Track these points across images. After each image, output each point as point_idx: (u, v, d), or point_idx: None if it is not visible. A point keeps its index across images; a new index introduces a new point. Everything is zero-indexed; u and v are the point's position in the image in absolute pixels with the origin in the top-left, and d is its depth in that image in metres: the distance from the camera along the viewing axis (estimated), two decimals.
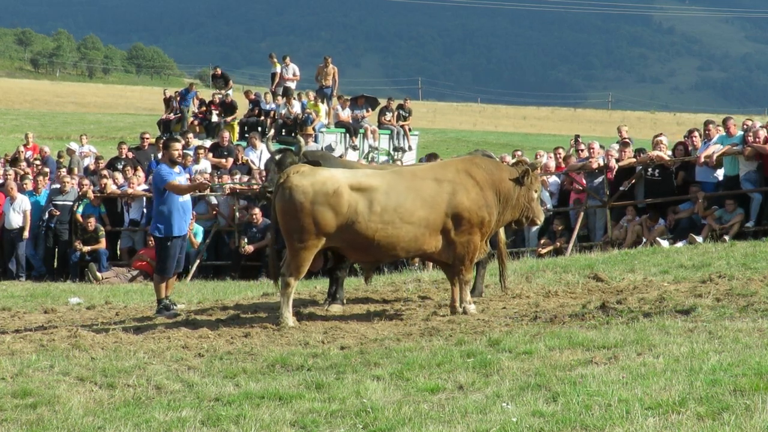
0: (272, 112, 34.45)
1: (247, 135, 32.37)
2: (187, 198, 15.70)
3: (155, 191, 15.92)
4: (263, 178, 24.65)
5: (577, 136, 29.30)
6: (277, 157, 16.00)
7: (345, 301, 15.44)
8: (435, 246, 13.93)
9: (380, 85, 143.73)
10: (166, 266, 15.67)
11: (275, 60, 36.44)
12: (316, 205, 13.36)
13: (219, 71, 37.28)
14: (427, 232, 13.78)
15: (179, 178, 15.52)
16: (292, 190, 13.47)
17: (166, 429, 8.80)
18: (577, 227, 22.73)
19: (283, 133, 33.68)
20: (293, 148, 16.28)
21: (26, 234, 24.65)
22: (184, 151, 27.77)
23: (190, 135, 30.53)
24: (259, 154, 27.84)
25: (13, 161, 30.40)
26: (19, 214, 24.72)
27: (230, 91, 36.20)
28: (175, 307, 15.72)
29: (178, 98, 36.10)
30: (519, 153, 24.74)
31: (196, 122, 34.75)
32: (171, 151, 15.58)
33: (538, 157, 23.30)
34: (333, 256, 15.01)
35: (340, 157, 24.37)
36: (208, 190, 15.49)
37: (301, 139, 17.21)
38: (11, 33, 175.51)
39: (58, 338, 13.45)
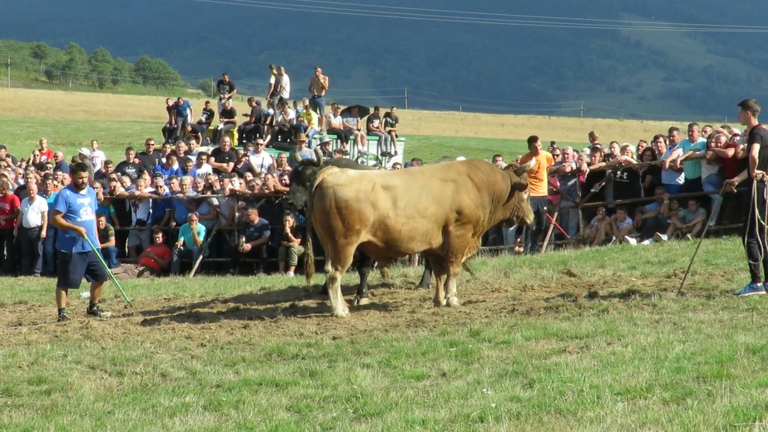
0: (269, 118, 34.50)
1: (245, 141, 32.43)
2: (88, 218, 15.60)
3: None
4: (263, 180, 24.66)
5: (552, 143, 29.36)
6: (300, 168, 15.99)
7: (370, 294, 15.55)
8: (439, 240, 14.13)
9: (369, 95, 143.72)
10: (68, 279, 15.49)
11: (274, 71, 36.40)
12: (360, 202, 13.45)
13: (227, 78, 37.64)
14: (436, 226, 13.99)
15: (80, 200, 15.42)
16: (336, 190, 13.50)
17: (170, 413, 8.79)
18: (552, 226, 22.73)
19: (279, 139, 33.73)
20: (314, 159, 16.26)
21: (44, 233, 24.58)
22: (188, 155, 27.86)
23: (193, 141, 30.45)
24: (261, 159, 27.81)
25: (30, 164, 30.40)
26: (37, 214, 24.65)
27: (230, 100, 36.21)
28: (102, 313, 15.51)
29: (175, 112, 36.34)
30: (499, 158, 24.78)
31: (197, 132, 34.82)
32: (76, 178, 15.67)
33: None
34: (359, 254, 14.94)
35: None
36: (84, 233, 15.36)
37: (320, 150, 17.09)
38: (27, 47, 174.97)
39: (71, 329, 13.45)
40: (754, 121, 13.62)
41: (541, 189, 21.17)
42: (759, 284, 13.18)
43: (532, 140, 21.49)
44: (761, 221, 13.21)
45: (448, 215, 13.98)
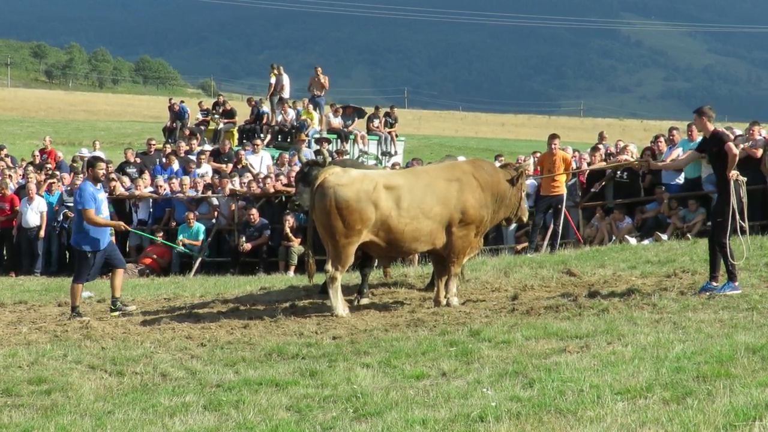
0: (266, 117, 34.48)
1: (245, 141, 32.44)
2: (107, 213, 15.53)
3: (77, 209, 15.51)
4: (260, 180, 24.67)
5: None
6: (306, 169, 15.97)
7: (370, 294, 15.42)
8: (443, 240, 14.04)
9: (369, 95, 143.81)
10: (81, 275, 15.33)
11: (274, 71, 36.38)
12: (361, 202, 13.36)
13: (221, 99, 37.71)
14: (440, 226, 13.91)
15: (100, 194, 15.25)
16: (336, 190, 13.40)
17: (170, 413, 8.78)
18: (552, 226, 22.66)
19: (279, 139, 33.73)
20: (319, 160, 16.25)
21: (42, 233, 24.58)
22: (188, 156, 27.85)
23: (194, 142, 30.41)
24: (260, 159, 27.82)
25: (30, 165, 30.39)
26: (36, 214, 24.67)
27: (227, 102, 36.40)
28: (126, 307, 15.37)
29: (172, 115, 36.46)
30: (501, 158, 24.73)
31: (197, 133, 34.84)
32: (96, 170, 15.28)
33: (527, 160, 23.22)
34: (362, 254, 14.91)
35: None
36: (122, 227, 15.32)
37: (326, 152, 17.04)
38: (27, 47, 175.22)
39: (71, 329, 13.44)
40: (711, 126, 13.64)
41: (558, 188, 21.02)
42: (715, 284, 13.33)
43: (550, 138, 21.43)
44: (741, 222, 13.25)
45: (452, 215, 13.89)
